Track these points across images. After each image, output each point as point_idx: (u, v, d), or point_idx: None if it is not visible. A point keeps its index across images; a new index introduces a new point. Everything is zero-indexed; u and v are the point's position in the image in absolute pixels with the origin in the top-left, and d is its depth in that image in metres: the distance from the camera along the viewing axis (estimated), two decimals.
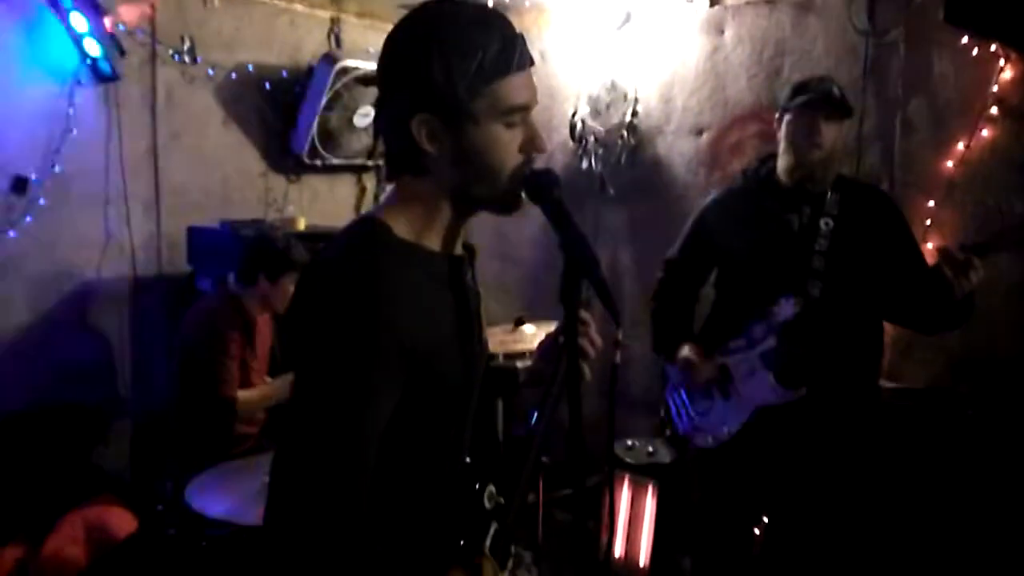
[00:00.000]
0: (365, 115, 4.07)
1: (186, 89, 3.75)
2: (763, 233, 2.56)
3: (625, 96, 3.93)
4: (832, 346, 2.45)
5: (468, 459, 1.35)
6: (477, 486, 1.31)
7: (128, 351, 3.67)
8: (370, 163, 4.38)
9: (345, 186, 4.44)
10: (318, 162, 4.12)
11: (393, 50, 1.22)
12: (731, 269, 2.70)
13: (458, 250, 1.32)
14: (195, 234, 3.60)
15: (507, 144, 1.21)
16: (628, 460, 3.45)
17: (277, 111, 4.04)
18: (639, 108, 3.90)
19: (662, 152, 3.89)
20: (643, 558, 3.43)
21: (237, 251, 3.13)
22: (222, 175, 3.93)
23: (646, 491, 3.41)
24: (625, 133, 3.91)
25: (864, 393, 2.59)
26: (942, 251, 2.22)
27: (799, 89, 2.49)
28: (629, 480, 3.45)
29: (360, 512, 1.11)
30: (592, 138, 4.02)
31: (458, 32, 1.17)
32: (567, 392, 1.21)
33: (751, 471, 2.61)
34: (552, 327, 3.17)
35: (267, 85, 4.00)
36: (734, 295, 2.68)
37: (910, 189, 3.18)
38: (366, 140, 4.20)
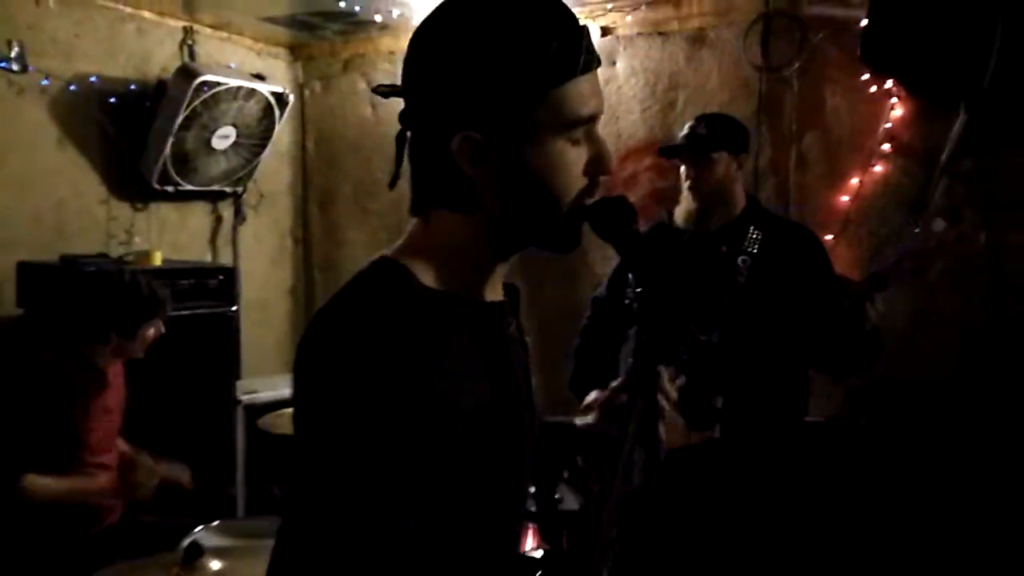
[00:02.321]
0: (224, 136, 3.68)
1: (14, 102, 3.22)
2: (679, 272, 2.48)
3: None
4: (741, 386, 2.39)
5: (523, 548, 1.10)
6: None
7: None
8: (228, 190, 3.97)
9: (199, 215, 3.98)
10: (169, 188, 3.65)
11: (424, 50, 0.96)
12: (647, 308, 2.61)
13: (496, 295, 1.07)
14: (27, 271, 3.07)
15: (571, 165, 0.96)
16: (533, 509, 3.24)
17: (122, 130, 3.55)
18: None
19: None
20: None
21: (79, 298, 2.62)
22: (57, 202, 3.39)
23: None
24: None
25: (784, 432, 2.55)
26: (840, 284, 2.24)
27: (683, 131, 2.53)
28: (534, 531, 3.24)
29: None
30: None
31: (509, 26, 0.92)
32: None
33: (665, 509, 2.49)
34: None
35: (111, 99, 3.51)
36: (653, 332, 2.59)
37: (806, 223, 3.19)
38: (225, 164, 3.80)
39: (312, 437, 0.90)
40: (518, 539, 1.12)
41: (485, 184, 0.95)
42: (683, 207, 2.55)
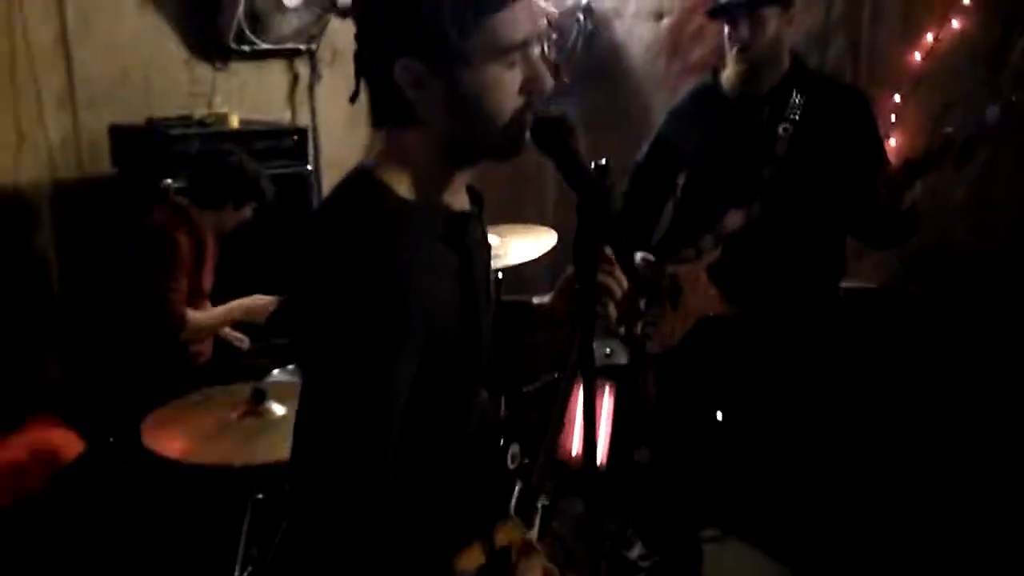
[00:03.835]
0: None
1: None
2: (719, 139, 2.50)
3: None
4: (781, 258, 2.42)
5: (498, 416, 1.27)
6: (502, 442, 1.24)
7: (54, 257, 3.41)
8: (303, 47, 4.06)
9: (276, 74, 4.09)
10: (246, 47, 3.77)
11: None
12: (693, 176, 2.64)
13: (463, 203, 1.19)
14: (119, 134, 3.31)
15: (506, 86, 1.06)
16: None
17: None
18: None
19: (620, 38, 3.69)
20: (600, 455, 3.48)
21: (206, 165, 2.90)
22: (142, 63, 3.56)
23: (603, 392, 3.42)
24: (581, 16, 3.69)
25: (820, 301, 2.58)
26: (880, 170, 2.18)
27: None
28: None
29: (390, 493, 1.04)
30: (545, 21, 3.78)
31: None
32: (580, 372, 1.12)
33: (706, 373, 2.61)
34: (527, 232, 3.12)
35: None
36: (691, 203, 2.65)
37: (876, 82, 3.09)
38: (297, 23, 3.86)
39: (314, 341, 1.06)
40: (487, 430, 1.27)
41: (427, 106, 1.06)
42: (731, 70, 2.47)
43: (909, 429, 2.90)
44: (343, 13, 3.14)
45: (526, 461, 1.27)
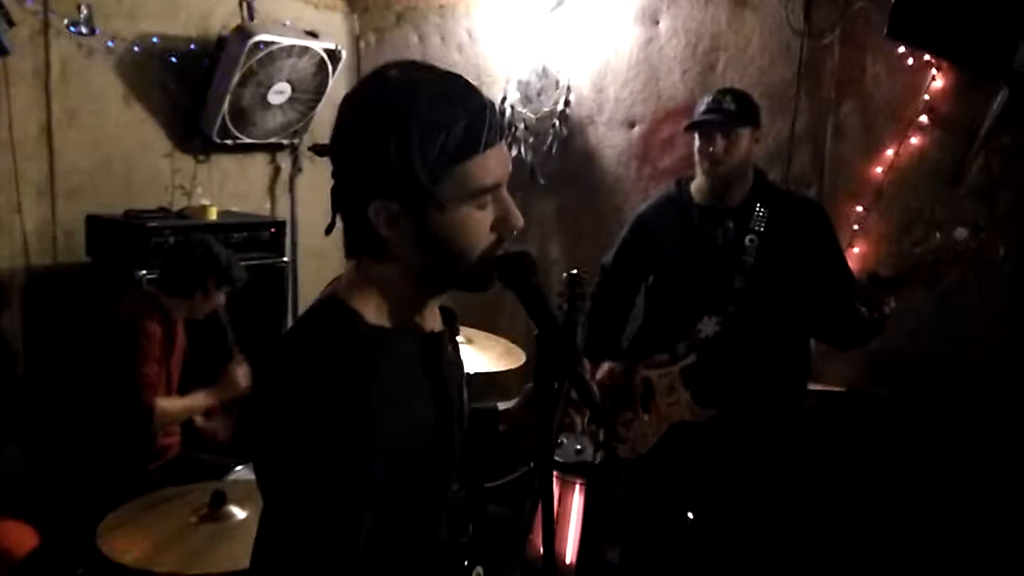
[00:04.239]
0: (280, 92, 3.84)
1: (83, 63, 3.45)
2: (689, 248, 2.59)
3: (557, 83, 3.81)
4: (752, 363, 2.48)
5: (462, 539, 1.26)
6: (466, 564, 1.22)
7: (21, 347, 3.39)
8: (284, 142, 4.16)
9: (258, 166, 4.19)
10: (229, 141, 3.86)
11: (345, 125, 1.08)
12: (660, 280, 2.71)
13: (435, 322, 1.21)
14: (95, 224, 3.34)
15: (477, 226, 1.09)
16: (556, 458, 3.42)
17: (184, 87, 3.76)
18: (571, 97, 3.79)
19: (593, 143, 3.80)
20: (570, 554, 3.42)
21: (174, 255, 2.91)
22: (124, 156, 3.64)
23: (573, 489, 3.38)
24: (557, 122, 3.80)
25: (788, 404, 2.62)
26: (857, 288, 2.28)
27: (699, 107, 2.54)
28: (557, 478, 3.42)
29: None
30: (522, 125, 3.90)
31: (418, 110, 1.03)
32: (539, 497, 1.12)
33: (676, 473, 2.62)
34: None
35: (173, 58, 3.71)
36: (662, 307, 2.71)
37: (839, 193, 3.20)
38: (281, 118, 3.97)
39: (276, 473, 1.04)
40: (443, 529, 1.26)
41: (399, 244, 1.08)
42: (701, 182, 2.57)
43: (878, 529, 2.89)
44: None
45: None
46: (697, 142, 2.53)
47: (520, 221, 1.13)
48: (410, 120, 1.02)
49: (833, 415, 3.05)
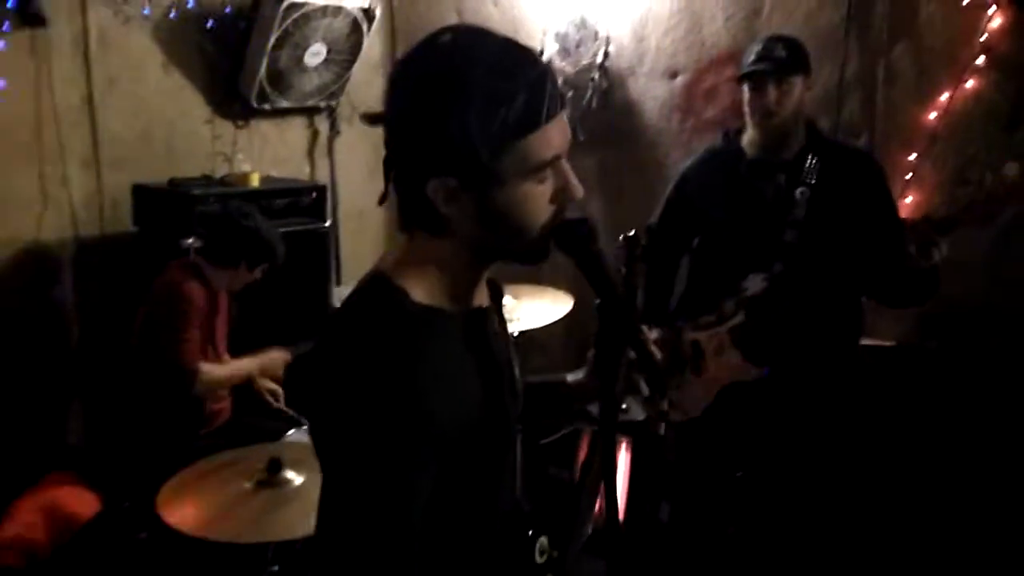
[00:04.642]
0: (316, 54, 3.81)
1: (121, 31, 3.42)
2: (736, 204, 2.51)
3: (596, 35, 3.72)
4: (802, 321, 2.41)
5: (525, 508, 1.26)
6: (531, 534, 1.23)
7: (74, 316, 3.45)
8: (322, 104, 4.14)
9: (296, 130, 4.17)
10: (267, 106, 3.85)
11: (400, 98, 1.05)
12: (707, 239, 2.65)
13: (481, 300, 1.19)
14: (141, 194, 3.36)
15: (538, 200, 1.07)
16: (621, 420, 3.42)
17: (222, 51, 3.73)
18: (611, 48, 3.71)
19: (634, 95, 3.72)
20: (619, 512, 3.44)
21: (223, 226, 2.92)
22: (165, 123, 3.64)
23: (620, 448, 3.39)
24: (596, 75, 3.72)
25: (840, 360, 2.57)
26: (908, 228, 2.18)
27: (749, 56, 2.44)
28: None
29: None
30: (560, 79, 3.83)
31: (477, 82, 0.99)
32: (603, 469, 1.11)
33: (727, 432, 2.59)
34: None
35: (210, 23, 3.68)
36: (709, 266, 2.65)
37: (891, 141, 3.10)
38: (317, 80, 3.94)
39: (332, 455, 1.05)
40: (516, 522, 1.26)
41: (458, 220, 1.06)
42: (755, 135, 2.49)
43: (931, 485, 2.85)
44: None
45: (555, 554, 1.25)
46: (747, 93, 2.45)
47: (580, 191, 1.10)
48: (470, 95, 0.99)
49: (883, 370, 3.00)
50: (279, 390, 3.09)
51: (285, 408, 3.07)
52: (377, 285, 1.11)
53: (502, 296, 1.26)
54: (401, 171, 1.08)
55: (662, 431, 1.18)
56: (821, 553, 2.61)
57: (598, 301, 1.12)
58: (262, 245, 2.87)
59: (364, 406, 1.00)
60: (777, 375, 2.45)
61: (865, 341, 2.83)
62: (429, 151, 1.02)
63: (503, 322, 1.26)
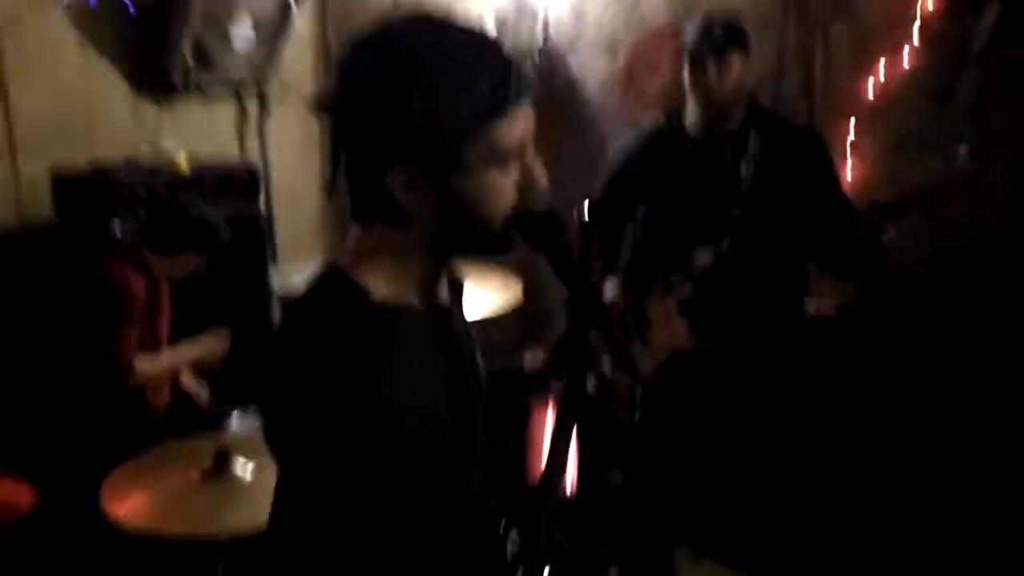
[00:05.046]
0: (242, 29, 3.66)
1: (35, 9, 3.23)
2: (683, 179, 2.53)
3: (534, 16, 3.67)
4: (749, 290, 2.46)
5: (492, 503, 1.22)
6: (501, 532, 1.21)
7: None
8: (251, 83, 3.98)
9: (225, 111, 4.01)
10: (192, 85, 3.69)
11: (360, 84, 0.99)
12: (653, 212, 2.66)
13: (442, 297, 1.14)
14: (61, 180, 3.18)
15: (502, 190, 1.03)
16: (553, 388, 3.41)
17: (143, 29, 3.55)
18: (549, 26, 3.66)
19: (575, 73, 3.69)
20: (568, 480, 3.45)
21: (163, 212, 2.82)
22: (84, 104, 3.46)
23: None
24: (536, 56, 3.67)
25: (786, 325, 2.62)
26: (856, 213, 2.25)
27: (688, 35, 2.45)
28: (554, 406, 3.41)
29: None
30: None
31: (443, 67, 0.95)
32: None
33: (676, 401, 2.61)
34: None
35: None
36: (653, 240, 2.66)
37: (830, 115, 3.14)
38: (245, 58, 3.80)
39: (292, 462, 1.00)
40: (486, 517, 1.23)
41: (418, 209, 1.01)
42: (694, 111, 2.51)
43: (880, 447, 2.93)
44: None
45: (526, 547, 1.22)
46: (688, 71, 2.45)
47: (545, 182, 1.06)
48: (435, 79, 0.94)
49: (828, 335, 3.06)
50: (202, 392, 3.00)
51: (209, 406, 2.98)
52: (333, 281, 1.05)
53: (463, 292, 1.21)
54: (356, 159, 1.03)
55: (636, 418, 1.18)
56: (773, 516, 2.66)
57: (566, 295, 1.10)
58: (208, 231, 2.78)
59: (327, 414, 0.95)
60: (724, 344, 2.48)
61: (809, 304, 2.89)
62: (390, 138, 0.97)
63: (465, 320, 1.22)
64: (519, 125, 1.00)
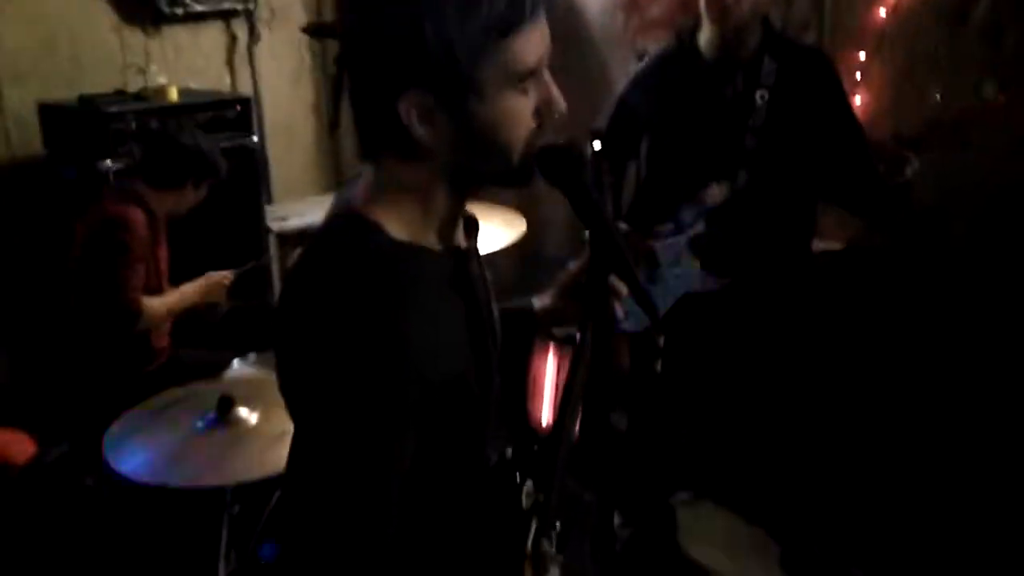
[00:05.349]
0: None
1: None
2: (695, 107, 2.40)
3: None
4: (761, 228, 2.38)
5: (508, 453, 1.20)
6: (517, 479, 1.18)
7: None
8: (239, 7, 3.85)
9: (213, 37, 3.87)
10: (179, 10, 3.57)
11: (367, 5, 0.93)
12: (661, 145, 2.56)
13: (459, 239, 1.10)
14: (49, 113, 3.10)
15: (520, 115, 0.97)
16: (554, 330, 3.38)
17: None
18: None
19: None
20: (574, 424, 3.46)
21: (162, 144, 2.71)
22: (69, 33, 3.34)
23: (568, 357, 3.38)
24: None
25: (795, 263, 2.58)
26: (876, 147, 2.16)
27: None
28: (554, 348, 3.39)
29: (390, 546, 0.98)
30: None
31: None
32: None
33: (684, 341, 2.59)
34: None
35: None
36: (664, 174, 2.56)
37: (840, 39, 3.04)
38: None
39: (308, 408, 0.97)
40: (500, 467, 1.20)
41: (434, 140, 0.96)
42: (710, 33, 2.35)
43: (886, 389, 2.92)
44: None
45: (541, 498, 1.20)
46: None
47: (564, 105, 1.00)
48: None
49: (835, 272, 3.02)
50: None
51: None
52: (348, 222, 1.01)
53: (478, 232, 1.17)
54: (364, 89, 0.97)
55: (659, 367, 1.16)
56: (773, 459, 2.66)
57: (587, 233, 1.06)
58: (206, 161, 2.69)
59: (345, 357, 0.92)
60: (735, 283, 2.44)
61: (815, 242, 2.85)
62: (401, 62, 0.91)
63: (482, 264, 1.18)
64: (535, 42, 0.95)
